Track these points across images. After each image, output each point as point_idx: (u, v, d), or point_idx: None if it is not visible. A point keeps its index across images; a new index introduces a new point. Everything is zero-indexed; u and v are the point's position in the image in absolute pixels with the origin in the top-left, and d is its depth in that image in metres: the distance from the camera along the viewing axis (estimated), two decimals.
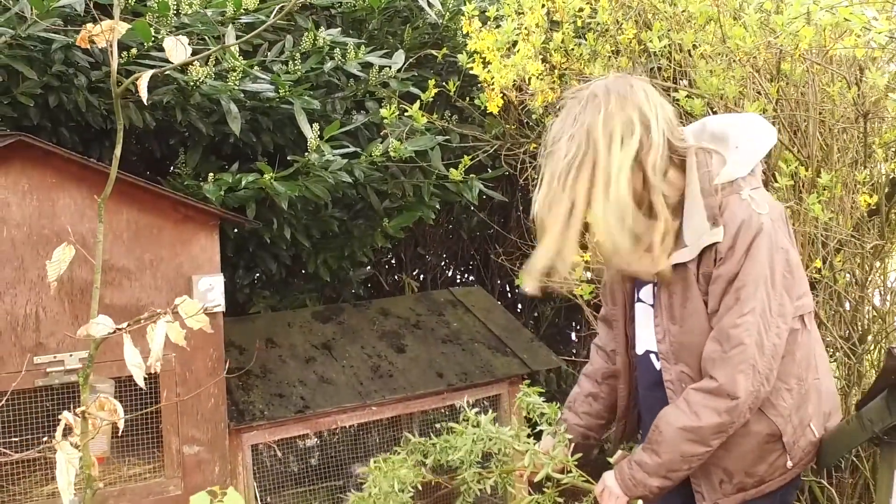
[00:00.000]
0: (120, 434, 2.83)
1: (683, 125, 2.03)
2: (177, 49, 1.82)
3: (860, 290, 3.00)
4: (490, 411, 2.33)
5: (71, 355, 2.73)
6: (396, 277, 5.32)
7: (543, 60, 3.17)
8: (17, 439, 2.74)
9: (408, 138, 3.55)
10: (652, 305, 2.00)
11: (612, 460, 2.10)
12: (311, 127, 3.29)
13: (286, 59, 3.49)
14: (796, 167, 2.72)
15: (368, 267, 4.55)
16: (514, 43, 3.15)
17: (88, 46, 1.89)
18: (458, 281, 5.73)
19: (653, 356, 2.02)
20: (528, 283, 1.93)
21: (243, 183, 3.20)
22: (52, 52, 2.90)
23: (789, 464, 1.93)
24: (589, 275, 3.63)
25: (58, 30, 2.91)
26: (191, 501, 1.57)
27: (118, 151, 1.85)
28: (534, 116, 3.50)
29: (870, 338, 3.05)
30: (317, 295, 4.32)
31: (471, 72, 3.25)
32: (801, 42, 2.45)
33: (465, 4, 3.39)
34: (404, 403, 3.52)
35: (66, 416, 1.58)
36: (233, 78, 3.18)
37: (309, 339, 3.69)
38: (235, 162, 3.54)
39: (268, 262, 3.96)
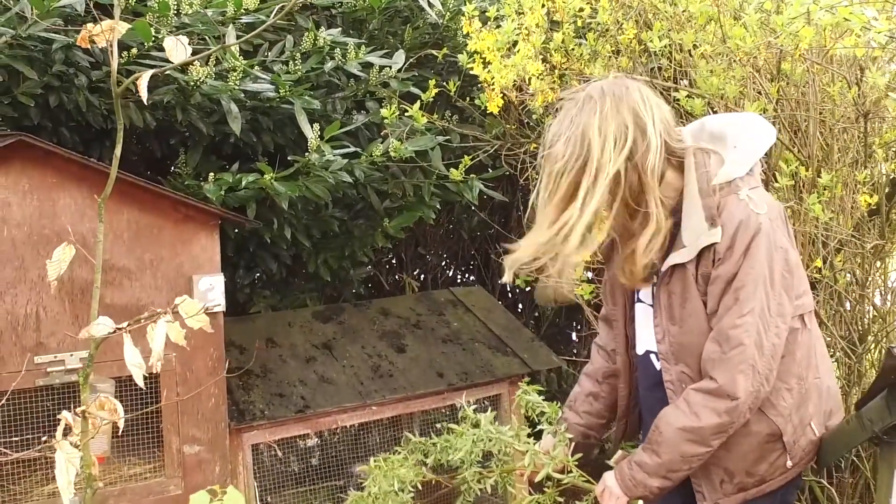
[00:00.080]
0: (120, 434, 2.83)
1: (683, 125, 2.04)
2: (177, 49, 1.83)
3: (860, 290, 3.00)
4: (490, 411, 2.33)
5: (71, 355, 2.73)
6: (397, 277, 5.32)
7: (544, 60, 3.17)
8: (17, 439, 2.74)
9: (408, 138, 3.55)
10: (651, 305, 2.00)
11: (612, 461, 2.10)
12: (312, 127, 3.29)
13: (286, 59, 3.49)
14: (797, 167, 2.72)
15: (369, 267, 4.55)
16: (515, 43, 3.15)
17: (89, 46, 1.90)
18: (459, 281, 5.73)
19: (653, 356, 2.02)
20: (507, 273, 1.93)
21: (244, 183, 3.21)
22: (52, 52, 2.91)
23: (789, 463, 1.93)
24: (589, 275, 3.63)
25: (58, 30, 2.91)
26: (190, 500, 1.58)
27: (118, 151, 1.85)
28: (534, 116, 3.50)
29: (870, 337, 3.05)
30: (317, 295, 4.32)
31: (471, 72, 3.25)
32: (801, 42, 2.45)
33: (465, 4, 3.39)
34: (405, 403, 3.52)
35: (66, 416, 1.58)
36: (233, 78, 3.18)
37: (309, 339, 3.69)
38: (236, 162, 3.54)
39: (268, 261, 3.96)
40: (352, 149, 3.47)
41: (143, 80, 1.78)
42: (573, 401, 2.27)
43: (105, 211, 1.83)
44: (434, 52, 3.85)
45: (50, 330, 2.71)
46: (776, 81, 2.83)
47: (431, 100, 3.60)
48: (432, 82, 3.58)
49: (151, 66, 2.84)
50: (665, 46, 2.92)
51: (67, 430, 1.59)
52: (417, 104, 3.51)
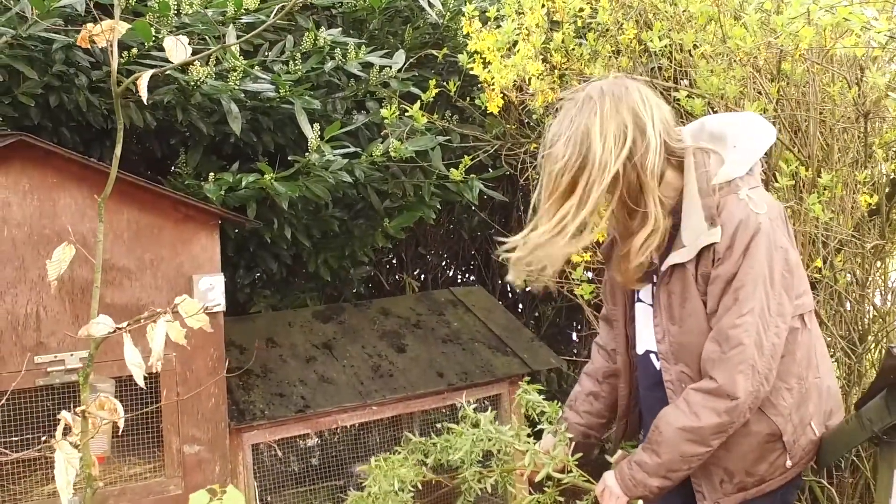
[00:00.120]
0: (120, 433, 2.83)
1: (683, 125, 2.04)
2: (177, 49, 1.83)
3: (860, 290, 3.00)
4: (490, 411, 2.33)
5: (72, 355, 2.73)
6: (397, 277, 5.32)
7: (544, 60, 3.17)
8: (17, 439, 2.74)
9: (408, 138, 3.55)
10: (651, 305, 2.00)
11: (612, 460, 2.10)
12: (312, 127, 3.29)
13: (287, 58, 3.50)
14: (797, 167, 2.72)
15: (369, 266, 4.55)
16: (515, 43, 3.15)
17: (89, 46, 1.90)
18: (459, 281, 5.73)
19: (653, 356, 2.03)
20: (513, 273, 1.94)
21: (244, 183, 3.21)
22: (52, 52, 2.91)
23: (789, 463, 1.93)
24: (589, 275, 3.63)
25: (58, 30, 2.91)
26: (190, 500, 1.58)
27: (118, 151, 1.85)
28: (534, 116, 3.50)
29: (870, 337, 3.05)
30: (317, 294, 4.32)
31: (471, 72, 3.25)
32: (801, 42, 2.45)
33: (465, 5, 3.39)
34: (405, 403, 3.52)
35: (66, 416, 1.58)
36: (233, 78, 3.18)
37: (309, 339, 3.69)
38: (236, 162, 3.54)
39: (268, 261, 3.96)
40: (352, 149, 3.48)
41: (143, 80, 1.79)
42: (573, 400, 2.28)
43: (105, 211, 1.83)
44: (434, 52, 3.85)
45: (50, 330, 2.71)
46: (776, 81, 2.83)
47: (431, 100, 3.60)
48: (432, 82, 3.58)
49: (152, 66, 2.84)
50: (665, 46, 2.92)
51: (67, 430, 1.59)
52: (418, 104, 3.51)
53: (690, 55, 2.97)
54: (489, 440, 2.21)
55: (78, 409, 1.64)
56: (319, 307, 4.03)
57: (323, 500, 3.56)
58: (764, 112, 2.71)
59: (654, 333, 1.97)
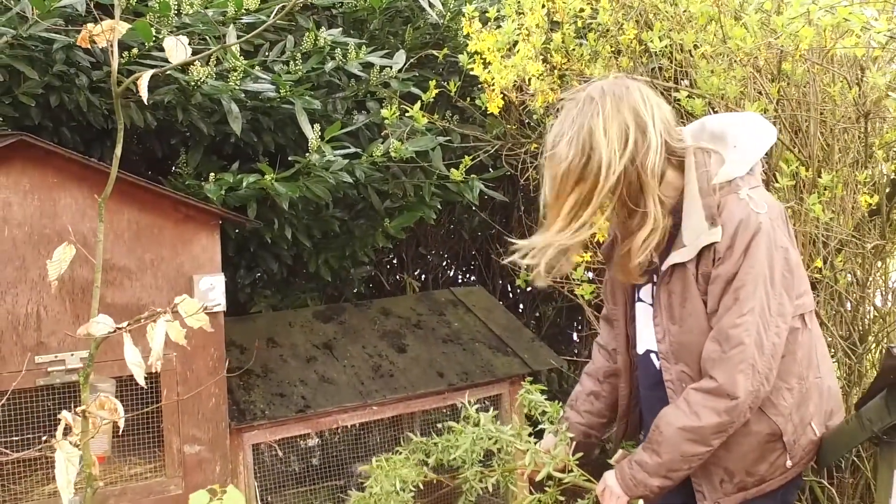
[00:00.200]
0: (121, 433, 2.83)
1: (684, 125, 2.04)
2: (177, 49, 1.83)
3: (861, 291, 3.00)
4: (491, 410, 2.33)
5: (72, 355, 2.73)
6: (398, 277, 5.32)
7: (544, 61, 3.17)
8: (18, 438, 2.74)
9: (409, 138, 3.55)
10: (652, 305, 2.00)
11: (612, 460, 2.10)
12: (312, 127, 3.29)
13: (287, 59, 3.50)
14: (797, 167, 2.72)
15: (369, 266, 4.55)
16: (515, 43, 3.15)
17: (89, 46, 1.90)
18: (460, 281, 5.73)
19: (653, 356, 2.03)
20: (543, 279, 1.95)
21: (244, 183, 3.21)
22: (53, 52, 2.91)
23: (789, 463, 1.93)
24: (590, 275, 3.63)
25: (59, 30, 2.91)
26: (190, 500, 1.58)
27: (118, 151, 1.85)
28: (535, 117, 3.50)
29: (870, 338, 3.05)
30: (318, 294, 4.32)
31: (471, 72, 3.25)
32: (801, 42, 2.45)
33: (465, 5, 3.39)
34: (405, 403, 3.52)
35: (66, 416, 1.58)
36: (234, 78, 3.18)
37: (310, 339, 3.69)
38: (236, 162, 3.54)
39: (269, 261, 3.96)
40: (352, 149, 3.48)
41: (144, 80, 1.79)
42: (574, 400, 2.28)
43: (105, 211, 1.83)
44: (435, 52, 3.85)
45: (50, 329, 2.71)
46: (777, 82, 2.83)
47: (432, 100, 3.60)
48: (433, 82, 3.58)
49: (152, 66, 2.84)
50: (665, 47, 2.92)
51: (67, 430, 1.59)
52: (418, 104, 3.52)
53: (691, 55, 2.97)
54: (490, 439, 2.21)
55: (78, 409, 1.64)
56: (320, 307, 4.03)
57: (323, 500, 3.57)
58: (764, 112, 2.71)
59: (655, 333, 1.97)
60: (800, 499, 2.93)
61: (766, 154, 2.02)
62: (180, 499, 2.91)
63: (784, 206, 1.98)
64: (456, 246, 5.52)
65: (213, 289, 2.94)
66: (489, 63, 3.16)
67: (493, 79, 3.14)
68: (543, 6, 3.14)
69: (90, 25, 1.78)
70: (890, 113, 2.84)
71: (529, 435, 2.23)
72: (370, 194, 3.81)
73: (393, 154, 3.47)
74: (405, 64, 3.69)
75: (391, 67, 3.64)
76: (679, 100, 2.79)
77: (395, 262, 5.40)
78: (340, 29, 3.70)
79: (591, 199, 1.81)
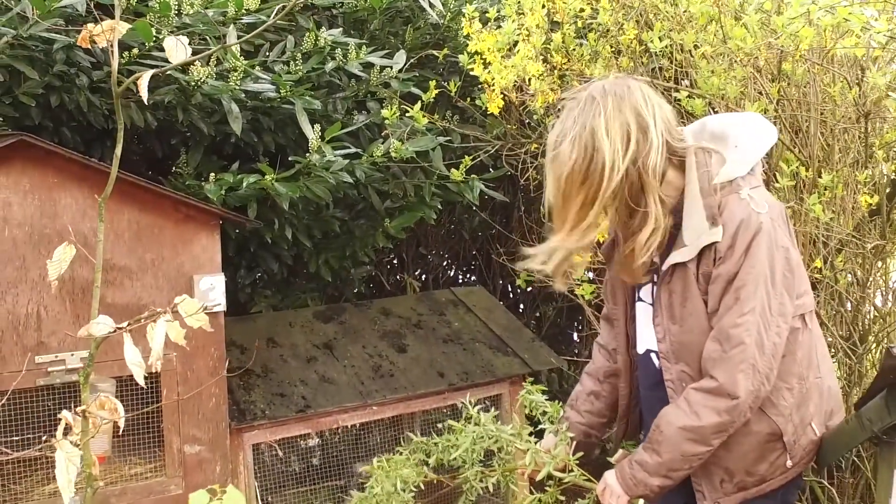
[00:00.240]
0: (121, 433, 2.84)
1: (684, 125, 2.04)
2: (177, 49, 1.83)
3: (861, 291, 3.00)
4: (491, 410, 2.33)
5: (72, 354, 2.73)
6: (398, 277, 5.32)
7: (544, 61, 3.17)
8: (18, 438, 2.74)
9: (409, 139, 3.55)
10: (652, 305, 2.00)
11: (613, 459, 2.10)
12: (313, 127, 3.29)
13: (287, 59, 3.50)
14: (797, 167, 2.72)
15: (370, 267, 4.55)
16: (515, 44, 3.15)
17: (90, 46, 1.90)
18: (461, 281, 5.73)
19: (653, 355, 2.03)
20: (560, 284, 1.98)
21: (244, 183, 3.21)
22: (53, 52, 2.91)
23: (789, 463, 1.93)
24: (590, 275, 3.63)
25: (59, 30, 2.91)
26: (190, 499, 1.58)
27: (118, 151, 1.85)
28: (535, 117, 3.50)
29: (871, 338, 3.05)
30: (318, 295, 4.32)
31: (471, 73, 3.25)
32: (801, 42, 2.45)
33: (466, 5, 3.39)
34: (405, 403, 3.52)
35: (66, 416, 1.58)
36: (234, 78, 3.18)
37: (310, 339, 3.69)
38: (237, 162, 3.54)
39: (269, 261, 3.96)
40: (353, 149, 3.48)
41: (144, 80, 1.79)
42: (575, 399, 2.28)
43: (106, 211, 1.83)
44: (435, 52, 3.85)
45: (51, 329, 2.71)
46: (777, 82, 2.83)
47: (432, 100, 3.60)
48: (433, 83, 3.58)
49: (152, 67, 2.85)
50: (666, 47, 2.92)
51: (68, 430, 1.59)
52: (418, 104, 3.52)
53: (691, 56, 2.97)
54: (490, 438, 2.21)
55: (78, 409, 1.64)
56: (320, 307, 4.03)
57: (323, 499, 3.57)
58: (765, 112, 2.71)
59: (655, 333, 1.97)
60: (800, 498, 2.93)
61: (767, 154, 2.02)
62: (180, 499, 2.91)
63: (784, 206, 1.98)
64: (456, 246, 5.53)
65: (213, 289, 2.94)
66: (489, 63, 3.16)
67: (493, 79, 3.14)
68: (543, 6, 3.14)
69: (90, 25, 1.78)
70: (890, 113, 2.84)
71: (530, 434, 2.23)
72: (370, 194, 3.81)
73: (393, 154, 3.47)
74: (405, 64, 3.69)
75: (391, 67, 3.64)
76: (679, 100, 2.79)
77: (395, 262, 5.40)
78: (341, 29, 3.70)
79: (595, 200, 1.81)
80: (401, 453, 2.29)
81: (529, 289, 5.11)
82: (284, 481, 3.48)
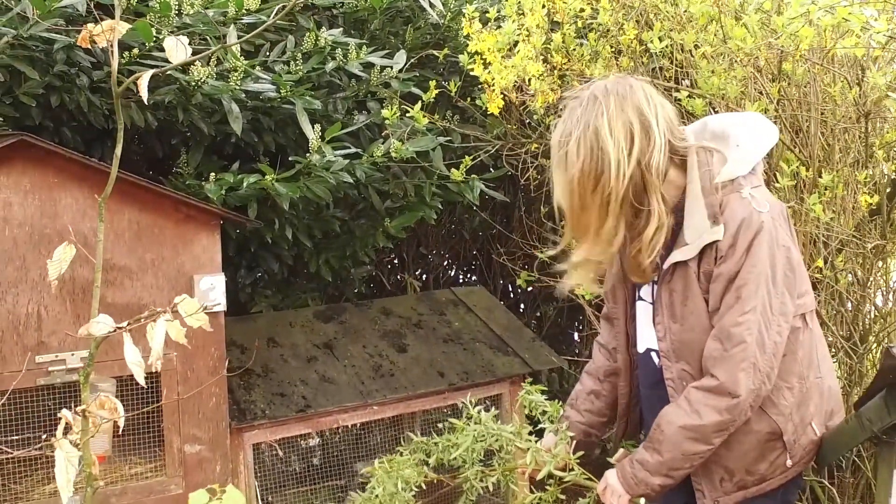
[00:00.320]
0: (121, 433, 2.84)
1: (685, 125, 2.04)
2: (177, 49, 1.83)
3: (862, 290, 3.00)
4: (491, 410, 2.33)
5: (73, 354, 2.73)
6: (399, 277, 5.32)
7: (544, 61, 3.17)
8: (17, 438, 2.75)
9: (409, 138, 3.55)
10: (652, 304, 2.00)
11: (613, 459, 2.10)
12: (313, 127, 3.29)
13: (288, 59, 3.50)
14: (798, 167, 2.72)
15: (370, 266, 4.55)
16: (515, 44, 3.15)
17: (90, 46, 1.90)
18: (461, 281, 5.73)
19: (654, 354, 2.03)
20: (581, 282, 2.01)
21: (245, 183, 3.21)
22: (53, 52, 2.91)
23: (789, 462, 1.93)
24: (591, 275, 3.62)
25: (59, 30, 2.92)
26: (189, 499, 1.58)
27: (118, 151, 1.85)
28: (535, 117, 3.50)
29: (871, 338, 3.05)
30: (319, 294, 4.32)
31: (472, 73, 3.25)
32: (801, 42, 2.45)
33: (466, 5, 3.39)
34: (406, 403, 3.52)
35: (66, 415, 1.58)
36: (234, 78, 3.19)
37: (310, 339, 3.69)
38: (237, 162, 3.54)
39: (270, 261, 3.96)
40: (353, 149, 3.48)
41: (144, 80, 1.78)
42: (575, 399, 2.28)
43: (106, 211, 1.83)
44: (435, 52, 3.85)
45: (51, 329, 2.71)
46: (777, 82, 2.83)
47: (432, 100, 3.60)
48: (433, 83, 3.58)
49: (153, 67, 2.85)
50: (666, 47, 2.92)
51: (68, 429, 1.59)
52: (419, 104, 3.52)
53: (691, 55, 2.97)
54: (490, 436, 2.22)
55: (78, 409, 1.64)
56: (320, 307, 4.03)
57: (324, 499, 3.57)
58: (765, 112, 2.71)
59: (656, 331, 1.97)
60: (800, 498, 2.93)
61: (768, 154, 2.02)
62: (181, 498, 2.91)
63: (785, 205, 1.98)
64: (457, 246, 5.53)
65: (213, 289, 2.94)
66: (489, 63, 3.16)
67: (493, 79, 3.14)
68: (544, 6, 3.14)
69: (90, 25, 1.78)
70: (890, 113, 2.84)
71: (530, 434, 2.23)
72: (371, 194, 3.81)
73: (393, 154, 3.47)
74: (406, 64, 3.69)
75: (392, 67, 3.64)
76: (680, 100, 2.79)
77: (395, 261, 5.40)
78: (341, 29, 3.70)
79: (610, 201, 1.81)
80: (401, 453, 2.29)
81: (530, 289, 5.11)
82: (285, 481, 3.48)
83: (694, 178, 1.86)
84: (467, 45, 3.27)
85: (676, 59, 3.15)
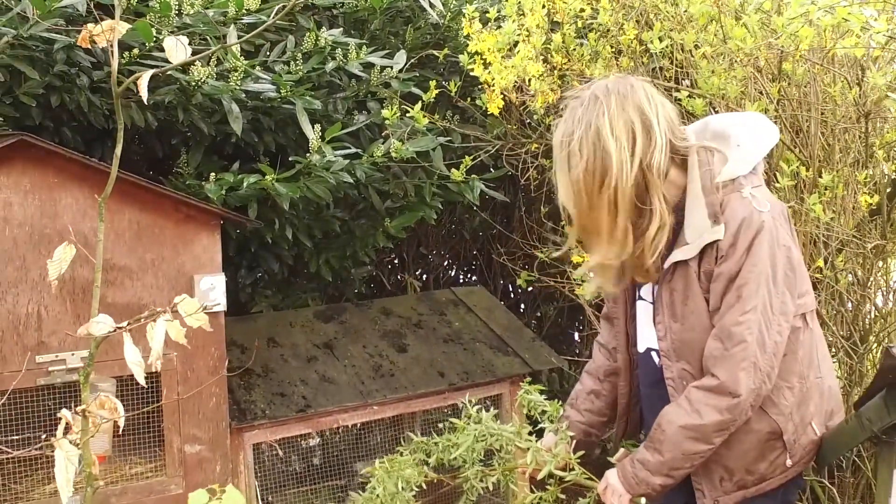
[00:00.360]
0: (122, 433, 2.84)
1: (685, 125, 2.04)
2: (177, 49, 1.83)
3: (862, 290, 3.00)
4: (491, 409, 2.33)
5: (73, 354, 2.73)
6: (399, 277, 5.32)
7: (544, 61, 3.17)
8: (17, 437, 2.75)
9: (409, 139, 3.55)
10: (652, 303, 2.00)
11: (614, 458, 2.10)
12: (313, 127, 3.29)
13: (288, 59, 3.50)
14: (798, 167, 2.72)
15: (370, 266, 4.55)
16: (515, 44, 3.15)
17: (90, 46, 1.90)
18: (461, 281, 5.73)
19: (654, 354, 2.03)
20: (603, 286, 2.02)
21: (245, 183, 3.21)
22: (54, 52, 2.91)
23: (789, 462, 1.94)
24: (591, 275, 3.62)
25: (60, 30, 2.92)
26: (189, 499, 1.58)
27: (118, 151, 1.85)
28: (535, 117, 3.50)
29: (871, 337, 3.05)
30: (319, 294, 4.32)
31: (472, 73, 3.25)
32: (801, 43, 2.45)
33: (466, 5, 3.39)
34: (406, 403, 3.52)
35: (65, 415, 1.58)
36: (234, 78, 3.19)
37: (311, 339, 3.69)
38: (237, 162, 3.54)
39: (270, 261, 3.96)
40: (353, 149, 3.48)
41: (144, 80, 1.78)
42: (575, 398, 2.28)
43: (106, 210, 1.83)
44: (435, 52, 3.85)
45: (51, 329, 2.71)
46: (777, 82, 2.83)
47: (433, 100, 3.60)
48: (433, 83, 3.58)
49: (153, 67, 2.85)
50: (666, 47, 2.92)
51: (68, 429, 1.59)
52: (419, 104, 3.52)
53: (691, 55, 2.97)
54: (491, 436, 2.22)
55: (78, 409, 1.64)
56: (321, 307, 4.03)
57: (324, 499, 3.57)
58: (765, 112, 2.71)
59: (656, 331, 1.97)
60: (800, 498, 2.93)
61: (768, 154, 2.02)
62: (181, 498, 2.91)
63: (785, 205, 1.99)
64: (457, 246, 5.53)
65: (213, 289, 2.94)
66: (489, 63, 3.16)
67: (493, 79, 3.14)
68: (544, 7, 3.14)
69: (90, 25, 1.78)
70: (890, 113, 2.84)
71: (530, 434, 2.23)
72: (371, 194, 3.81)
73: (394, 154, 3.47)
74: (406, 64, 3.69)
75: (392, 68, 3.64)
76: (680, 100, 2.79)
77: (396, 261, 5.40)
78: (341, 29, 3.70)
79: (618, 201, 1.81)
80: (401, 454, 2.29)
81: (530, 289, 5.11)
82: (285, 481, 3.48)
83: (695, 178, 1.86)
84: (467, 45, 3.27)
85: (676, 59, 3.15)
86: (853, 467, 3.04)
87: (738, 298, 1.79)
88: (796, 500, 2.08)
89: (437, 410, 3.71)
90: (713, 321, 1.85)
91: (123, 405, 1.69)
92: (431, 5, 3.80)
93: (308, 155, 3.30)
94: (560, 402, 2.30)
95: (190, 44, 1.86)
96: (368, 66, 3.62)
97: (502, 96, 3.18)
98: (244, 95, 3.27)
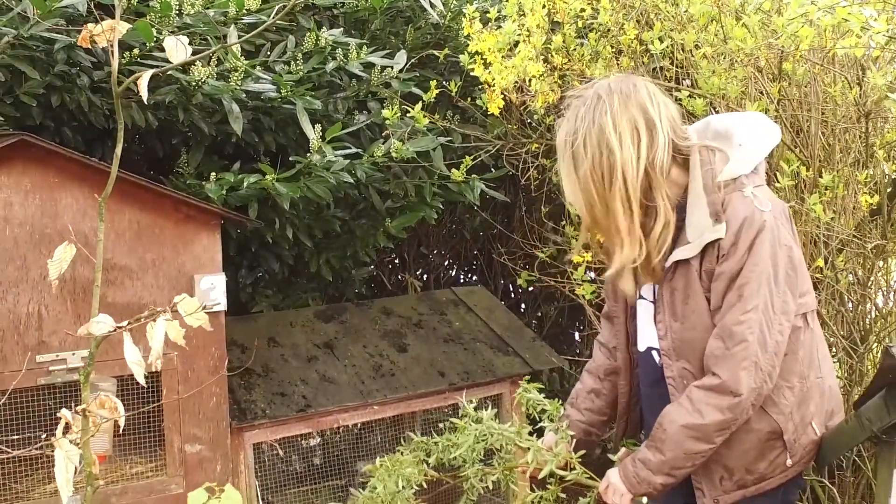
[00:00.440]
0: (122, 432, 2.84)
1: (686, 125, 2.04)
2: (177, 49, 1.83)
3: (862, 290, 3.00)
4: (491, 409, 2.33)
5: (73, 354, 2.73)
6: (399, 277, 5.32)
7: (545, 61, 3.17)
8: (18, 437, 2.75)
9: (410, 138, 3.55)
10: (653, 302, 2.00)
11: (615, 458, 2.10)
12: (314, 127, 3.29)
13: (288, 59, 3.50)
14: (798, 167, 2.72)
15: (371, 266, 4.55)
16: (516, 44, 3.15)
17: (90, 46, 1.90)
18: (462, 281, 5.73)
19: (654, 353, 2.03)
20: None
21: (245, 183, 3.21)
22: (54, 52, 2.91)
23: (789, 462, 1.94)
24: (591, 274, 3.63)
25: (60, 30, 2.92)
26: (189, 498, 1.58)
27: (119, 151, 1.85)
28: (535, 117, 3.50)
29: (872, 337, 3.05)
30: (319, 294, 4.33)
31: (472, 73, 3.25)
32: (801, 43, 2.45)
33: (466, 5, 3.39)
34: (406, 402, 3.52)
35: (65, 414, 1.58)
36: (235, 78, 3.19)
37: (311, 339, 3.69)
38: (237, 162, 3.54)
39: (270, 261, 3.97)
40: (353, 149, 3.48)
41: (144, 80, 1.79)
42: (575, 397, 2.28)
43: (106, 210, 1.83)
44: (436, 52, 3.85)
45: (52, 329, 2.71)
46: (778, 82, 2.83)
47: (433, 100, 3.60)
48: (434, 83, 3.58)
49: (153, 67, 2.85)
50: (667, 47, 2.92)
51: (68, 429, 1.60)
52: (419, 104, 3.52)
53: (692, 56, 2.97)
54: (491, 436, 2.22)
55: (79, 408, 1.64)
56: (321, 307, 4.03)
57: (325, 499, 3.57)
58: (766, 112, 2.71)
59: (657, 330, 1.98)
60: (800, 498, 2.93)
61: (768, 154, 2.03)
62: (181, 498, 2.91)
63: (786, 205, 1.99)
64: (457, 246, 5.53)
65: (214, 288, 2.94)
66: (490, 63, 3.16)
67: (493, 79, 3.14)
68: (544, 7, 3.14)
69: (91, 25, 1.78)
70: (891, 113, 2.84)
71: (530, 433, 2.23)
72: (371, 194, 3.82)
73: (394, 154, 3.47)
74: (406, 64, 3.69)
75: (392, 68, 3.64)
76: (680, 100, 2.79)
77: (396, 261, 5.40)
78: (341, 29, 3.70)
79: (630, 199, 1.82)
80: (402, 453, 2.29)
81: (531, 288, 5.11)
82: (285, 481, 3.49)
83: (696, 177, 1.87)
84: (468, 45, 3.27)
85: (677, 60, 3.15)
86: (853, 467, 3.04)
87: (740, 298, 1.79)
88: (796, 500, 2.08)
89: (437, 410, 3.71)
90: (714, 320, 1.85)
91: (124, 405, 1.69)
92: (432, 5, 3.80)
93: (308, 155, 3.30)
94: (560, 402, 2.30)
95: (190, 44, 1.86)
96: (369, 66, 3.62)
97: (503, 96, 3.19)
98: (244, 95, 3.27)
